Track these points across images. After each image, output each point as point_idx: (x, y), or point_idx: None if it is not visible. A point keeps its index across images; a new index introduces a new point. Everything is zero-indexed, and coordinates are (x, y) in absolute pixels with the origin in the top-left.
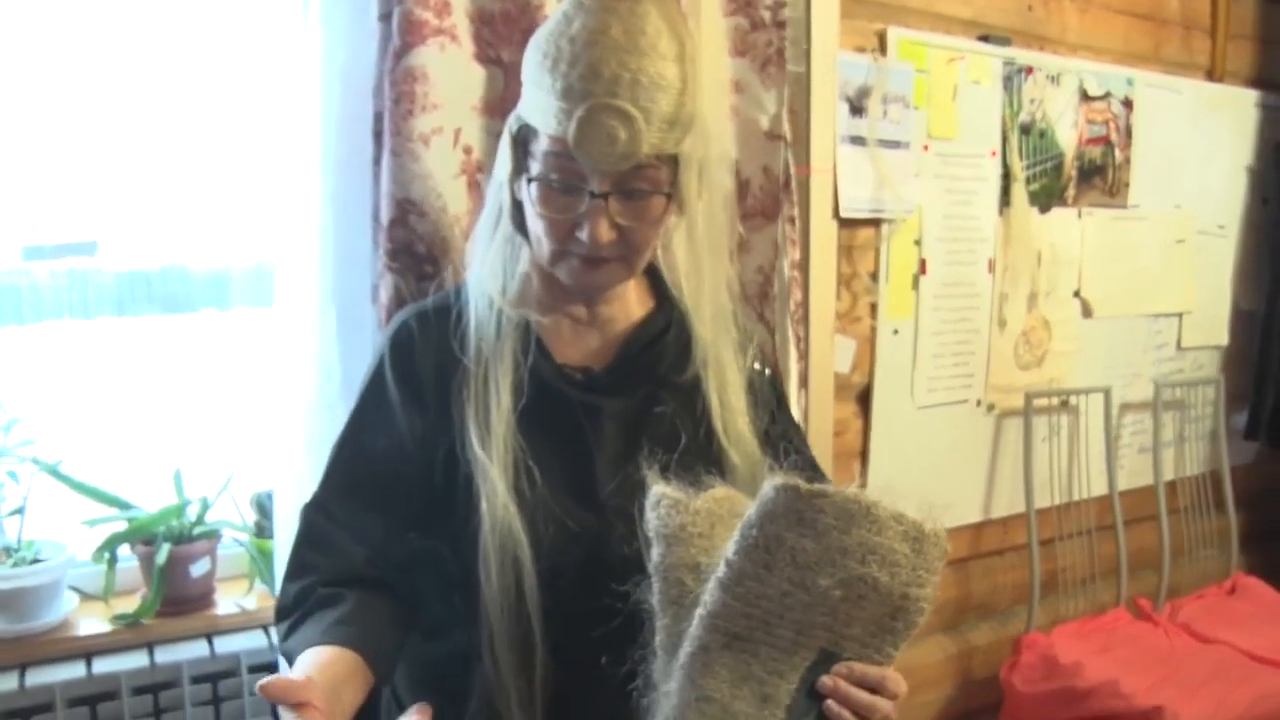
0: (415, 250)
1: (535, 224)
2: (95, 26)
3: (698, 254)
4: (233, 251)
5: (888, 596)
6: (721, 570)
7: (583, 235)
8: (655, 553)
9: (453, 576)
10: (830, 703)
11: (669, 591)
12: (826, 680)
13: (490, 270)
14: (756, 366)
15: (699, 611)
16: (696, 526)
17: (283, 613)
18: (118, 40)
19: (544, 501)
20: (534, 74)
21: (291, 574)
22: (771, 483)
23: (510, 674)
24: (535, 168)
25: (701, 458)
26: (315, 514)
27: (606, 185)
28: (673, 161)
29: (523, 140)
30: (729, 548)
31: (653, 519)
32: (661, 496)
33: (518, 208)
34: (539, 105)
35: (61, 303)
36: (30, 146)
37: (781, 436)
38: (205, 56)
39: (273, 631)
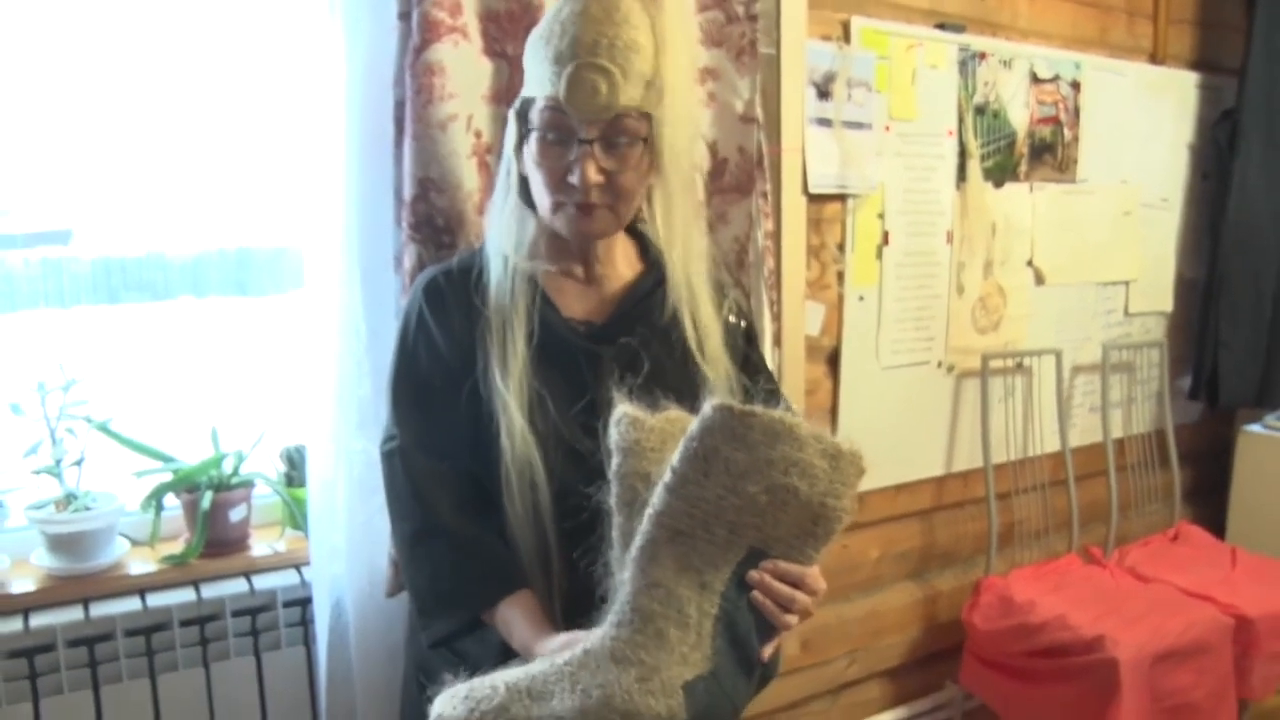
0: (435, 223)
1: (535, 178)
2: (72, 12)
3: (672, 215)
4: (212, 237)
5: (808, 504)
6: (668, 476)
7: (574, 179)
8: (614, 462)
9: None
10: (756, 593)
11: (624, 495)
12: (754, 574)
13: (504, 233)
14: (732, 319)
15: (648, 511)
16: (649, 442)
17: (424, 555)
18: (93, 25)
19: (555, 431)
20: (532, 55)
21: (406, 515)
22: (710, 402)
23: (534, 582)
24: (534, 126)
25: (686, 385)
26: (406, 459)
27: (593, 133)
28: (648, 120)
29: (523, 114)
30: (674, 457)
31: (614, 433)
32: (622, 415)
33: (523, 182)
34: (536, 77)
35: (36, 291)
36: (0, 134)
37: (756, 369)
38: (197, 47)
39: (304, 570)
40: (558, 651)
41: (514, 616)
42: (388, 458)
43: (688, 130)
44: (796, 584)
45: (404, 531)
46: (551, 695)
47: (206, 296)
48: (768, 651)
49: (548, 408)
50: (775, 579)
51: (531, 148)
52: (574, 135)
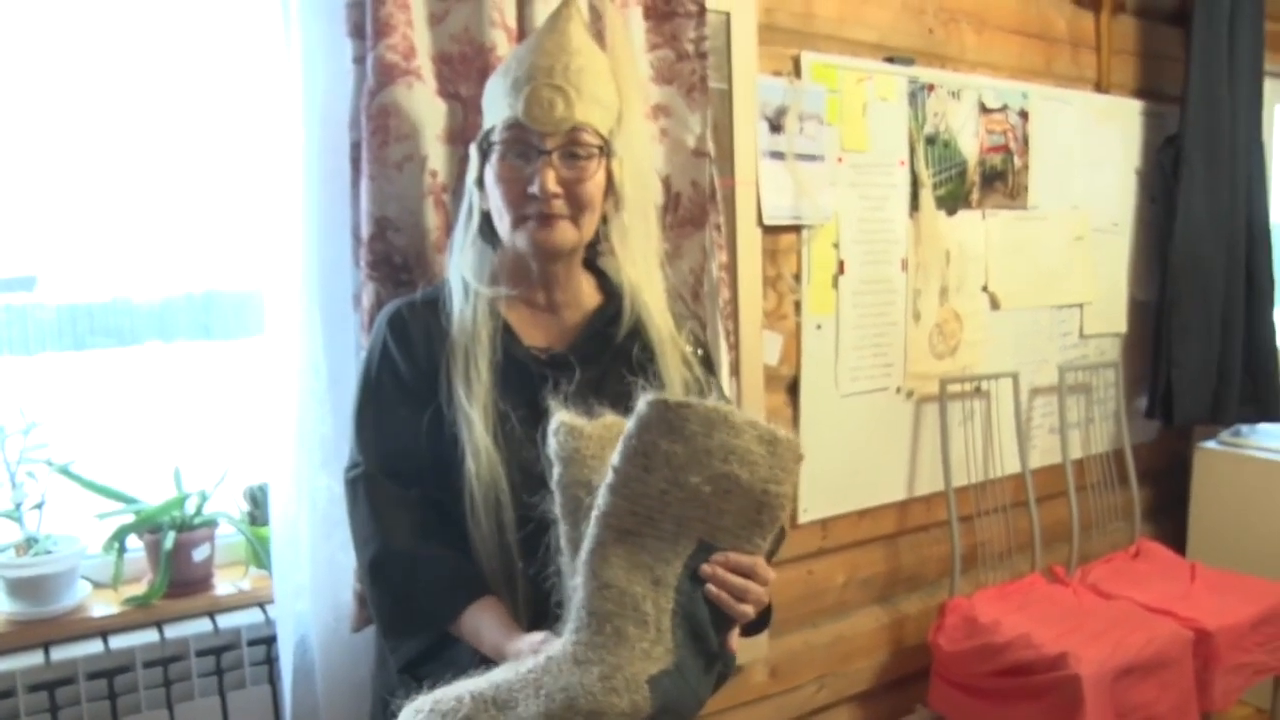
0: (393, 261)
1: (496, 198)
2: (36, 59)
3: (630, 246)
4: (177, 282)
5: (750, 491)
6: (610, 476)
7: (534, 189)
8: (555, 472)
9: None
10: (710, 586)
11: (567, 504)
12: (706, 567)
13: (465, 265)
14: (688, 349)
15: (594, 514)
16: (589, 449)
17: (386, 577)
18: (57, 72)
19: (518, 454)
20: (491, 91)
21: (368, 540)
22: (644, 399)
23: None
24: (494, 151)
25: None
26: (369, 485)
27: (550, 144)
28: (605, 142)
29: (483, 148)
30: (614, 457)
31: (552, 442)
32: (560, 424)
33: (484, 216)
34: (495, 108)
35: (1, 338)
36: None
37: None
38: (159, 92)
39: (269, 608)
40: (524, 656)
41: (482, 622)
42: (351, 485)
43: (643, 164)
44: (748, 574)
45: (367, 556)
46: (517, 703)
47: (174, 341)
48: (732, 642)
49: (511, 431)
50: (727, 571)
51: (493, 168)
52: (533, 149)
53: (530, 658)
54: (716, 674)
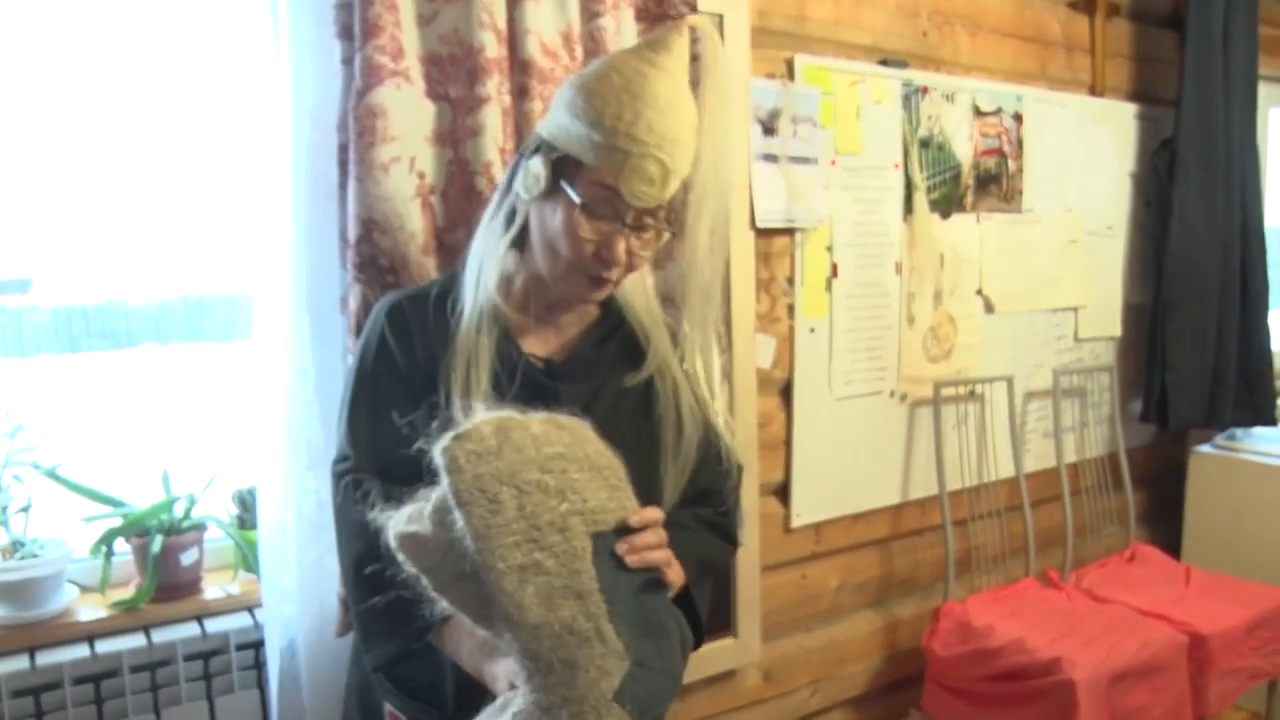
0: (379, 263)
1: (561, 242)
2: (27, 62)
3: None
4: (172, 285)
5: (574, 461)
6: (466, 534)
7: (607, 256)
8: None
9: None
10: (630, 560)
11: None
12: (621, 546)
13: (489, 271)
14: (686, 366)
15: (480, 574)
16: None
17: (369, 577)
18: (50, 76)
19: None
20: (580, 114)
21: (354, 538)
22: (436, 449)
23: None
24: (579, 195)
25: (644, 423)
26: (358, 481)
27: (634, 219)
28: (670, 206)
29: (559, 171)
30: (455, 519)
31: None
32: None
33: (523, 227)
34: (587, 143)
35: None
36: None
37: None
38: (151, 94)
39: (257, 612)
40: (497, 695)
41: (463, 637)
42: (338, 479)
43: (719, 214)
44: (643, 529)
45: (352, 554)
46: None
47: (169, 344)
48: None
49: None
50: (632, 540)
51: (566, 216)
52: (618, 216)
53: (500, 716)
54: (680, 640)
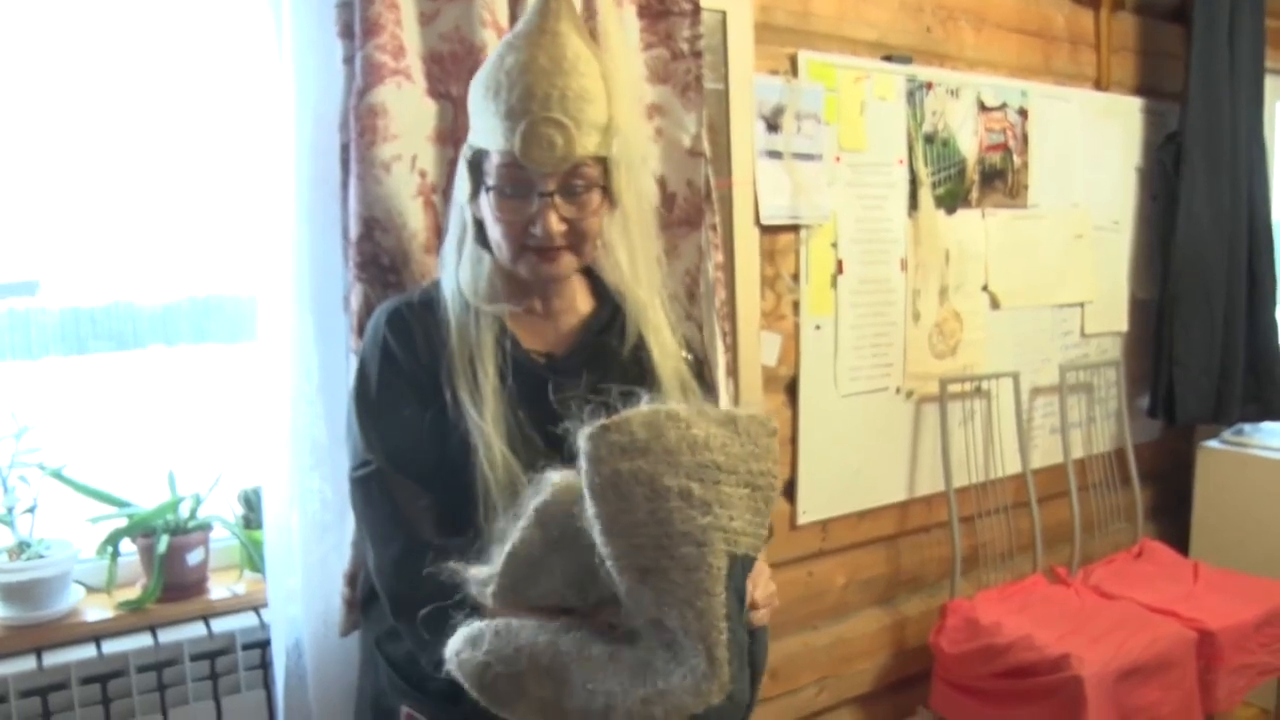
0: (380, 262)
1: (495, 230)
2: (34, 64)
3: (633, 250)
4: (179, 286)
5: (732, 474)
6: (595, 526)
7: (536, 230)
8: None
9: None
10: (763, 611)
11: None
12: (757, 592)
13: (462, 275)
14: (685, 355)
15: (607, 564)
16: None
17: (414, 572)
18: (56, 77)
19: (530, 457)
20: (479, 105)
21: (390, 537)
22: (582, 435)
23: None
24: (490, 181)
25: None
26: (384, 481)
27: (552, 185)
28: (603, 162)
29: (476, 164)
30: (585, 507)
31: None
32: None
33: (479, 225)
34: (487, 129)
35: (3, 343)
36: None
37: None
38: (157, 95)
39: (263, 612)
40: (587, 639)
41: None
42: (362, 483)
43: (639, 167)
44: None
45: (391, 554)
46: (567, 680)
47: (177, 345)
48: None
49: (522, 435)
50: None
51: (490, 201)
52: (533, 188)
53: (596, 643)
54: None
